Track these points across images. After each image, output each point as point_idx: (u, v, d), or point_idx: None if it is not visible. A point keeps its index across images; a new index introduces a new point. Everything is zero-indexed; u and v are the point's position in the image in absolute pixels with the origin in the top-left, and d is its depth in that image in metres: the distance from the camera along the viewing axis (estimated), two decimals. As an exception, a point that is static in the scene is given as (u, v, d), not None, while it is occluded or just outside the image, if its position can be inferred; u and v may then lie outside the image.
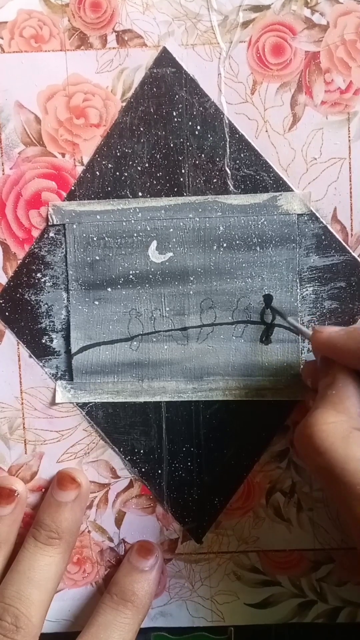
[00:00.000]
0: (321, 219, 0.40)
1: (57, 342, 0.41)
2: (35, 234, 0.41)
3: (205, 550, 0.42)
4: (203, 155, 0.40)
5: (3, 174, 0.40)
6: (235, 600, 0.42)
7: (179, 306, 0.41)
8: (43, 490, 0.42)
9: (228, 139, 0.39)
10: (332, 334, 0.34)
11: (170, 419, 0.41)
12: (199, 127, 0.39)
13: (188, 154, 0.40)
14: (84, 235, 0.40)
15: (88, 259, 0.40)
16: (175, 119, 0.39)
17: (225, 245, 0.40)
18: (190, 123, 0.39)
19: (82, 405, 0.41)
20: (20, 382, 0.41)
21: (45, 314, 0.41)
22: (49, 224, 0.40)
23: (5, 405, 0.41)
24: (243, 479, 0.41)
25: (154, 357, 0.41)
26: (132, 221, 0.40)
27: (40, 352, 0.41)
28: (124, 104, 0.40)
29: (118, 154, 0.40)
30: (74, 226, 0.40)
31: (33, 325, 0.41)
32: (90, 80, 0.39)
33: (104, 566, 0.42)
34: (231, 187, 0.40)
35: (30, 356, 0.41)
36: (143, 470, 0.42)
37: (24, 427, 0.42)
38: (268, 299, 0.40)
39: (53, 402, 0.41)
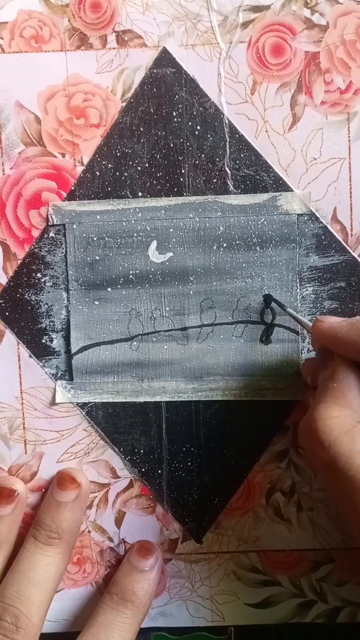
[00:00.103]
0: (321, 219, 0.40)
1: (57, 342, 0.41)
2: (35, 234, 0.41)
3: (205, 550, 0.42)
4: (203, 155, 0.40)
5: (3, 174, 0.40)
6: (235, 600, 0.42)
7: (179, 306, 0.41)
8: (43, 490, 0.42)
9: (228, 139, 0.39)
10: (333, 324, 0.34)
11: (170, 419, 0.41)
12: (199, 127, 0.39)
13: (188, 154, 0.40)
14: (84, 235, 0.40)
15: (88, 259, 0.40)
16: (175, 119, 0.39)
17: (225, 245, 0.40)
18: (190, 123, 0.39)
19: (82, 405, 0.41)
20: (20, 382, 0.41)
21: (45, 314, 0.41)
22: (49, 224, 0.40)
23: (5, 405, 0.41)
24: (243, 479, 0.41)
25: (154, 357, 0.41)
26: (132, 221, 0.40)
27: (40, 352, 0.41)
28: (124, 104, 0.40)
29: (118, 154, 0.40)
30: (74, 226, 0.40)
31: (33, 325, 0.41)
32: (90, 81, 0.40)
33: (104, 566, 0.42)
34: (231, 187, 0.40)
35: (30, 356, 0.41)
36: (143, 470, 0.42)
37: (24, 427, 0.42)
38: (268, 298, 0.40)
39: (53, 402, 0.41)
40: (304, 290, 0.40)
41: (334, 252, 0.40)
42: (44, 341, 0.41)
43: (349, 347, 0.33)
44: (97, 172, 0.40)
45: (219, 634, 0.43)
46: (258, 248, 0.40)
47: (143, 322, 0.41)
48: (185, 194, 0.40)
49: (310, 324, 0.36)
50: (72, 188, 0.40)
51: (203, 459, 0.41)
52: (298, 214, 0.40)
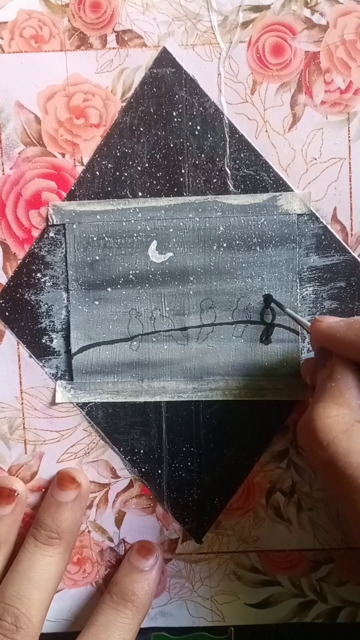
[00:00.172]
0: (321, 219, 0.40)
1: (57, 342, 0.41)
2: (35, 234, 0.41)
3: (205, 550, 0.42)
4: (203, 155, 0.40)
5: (3, 174, 0.40)
6: (235, 600, 0.42)
7: (179, 306, 0.41)
8: (43, 490, 0.42)
9: (228, 139, 0.39)
10: (332, 324, 0.34)
11: (170, 419, 0.41)
12: (199, 127, 0.39)
13: (188, 154, 0.40)
14: (84, 235, 0.40)
15: (88, 259, 0.40)
16: (175, 119, 0.39)
17: (225, 245, 0.40)
18: (190, 123, 0.39)
19: (82, 405, 0.41)
20: (20, 382, 0.41)
21: (45, 314, 0.41)
22: (49, 224, 0.40)
23: (5, 405, 0.41)
24: (243, 479, 0.41)
25: (154, 357, 0.41)
26: (132, 221, 0.40)
27: (40, 352, 0.41)
28: (124, 104, 0.40)
29: (118, 154, 0.40)
30: (74, 226, 0.40)
31: (33, 325, 0.41)
32: (90, 81, 0.40)
33: (104, 566, 0.42)
34: (231, 187, 0.40)
35: (30, 356, 0.41)
36: (143, 470, 0.42)
37: (24, 427, 0.42)
38: (268, 299, 0.40)
39: (53, 402, 0.41)
40: (304, 290, 0.40)
41: (334, 252, 0.40)
42: (44, 341, 0.41)
43: (347, 346, 0.33)
44: (97, 172, 0.40)
45: (219, 634, 0.43)
46: (258, 248, 0.40)
47: (143, 322, 0.41)
48: (185, 194, 0.40)
49: (309, 324, 0.36)
50: (72, 188, 0.40)
51: (203, 459, 0.41)
52: (298, 214, 0.40)
